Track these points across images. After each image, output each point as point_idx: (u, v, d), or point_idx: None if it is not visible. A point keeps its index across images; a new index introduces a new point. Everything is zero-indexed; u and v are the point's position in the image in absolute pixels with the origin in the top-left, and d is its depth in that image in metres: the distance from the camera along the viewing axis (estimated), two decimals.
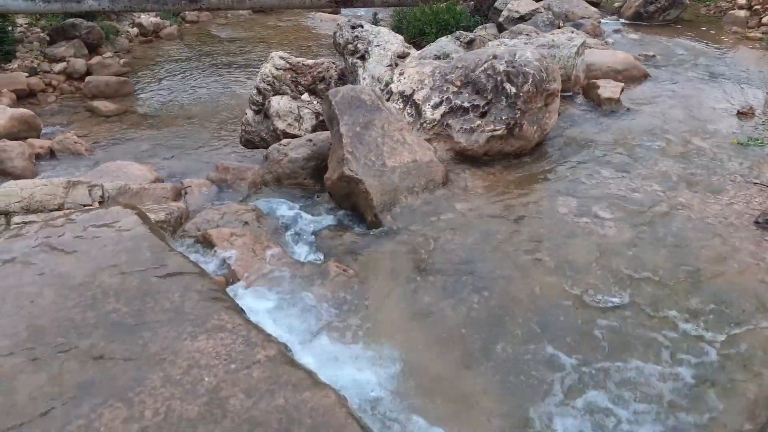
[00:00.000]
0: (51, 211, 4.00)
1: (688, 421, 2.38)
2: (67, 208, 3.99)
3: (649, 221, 3.67)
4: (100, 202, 4.24)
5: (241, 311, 2.50)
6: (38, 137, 6.82)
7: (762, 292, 3.07)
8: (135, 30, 11.47)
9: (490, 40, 6.21)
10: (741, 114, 5.50)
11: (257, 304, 2.81)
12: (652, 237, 3.51)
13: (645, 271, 3.20)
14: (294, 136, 4.92)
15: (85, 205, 4.07)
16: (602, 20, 8.75)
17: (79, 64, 9.11)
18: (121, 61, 9.83)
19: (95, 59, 9.42)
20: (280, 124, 5.43)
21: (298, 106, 5.49)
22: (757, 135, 5.03)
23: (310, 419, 2.00)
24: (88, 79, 8.60)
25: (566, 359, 2.65)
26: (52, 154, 6.48)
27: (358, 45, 5.56)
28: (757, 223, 3.67)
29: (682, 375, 2.58)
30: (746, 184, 4.19)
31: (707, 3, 9.88)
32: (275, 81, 5.74)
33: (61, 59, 9.17)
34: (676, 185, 4.13)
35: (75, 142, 6.68)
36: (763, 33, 8.17)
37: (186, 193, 4.82)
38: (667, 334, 2.79)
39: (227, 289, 2.83)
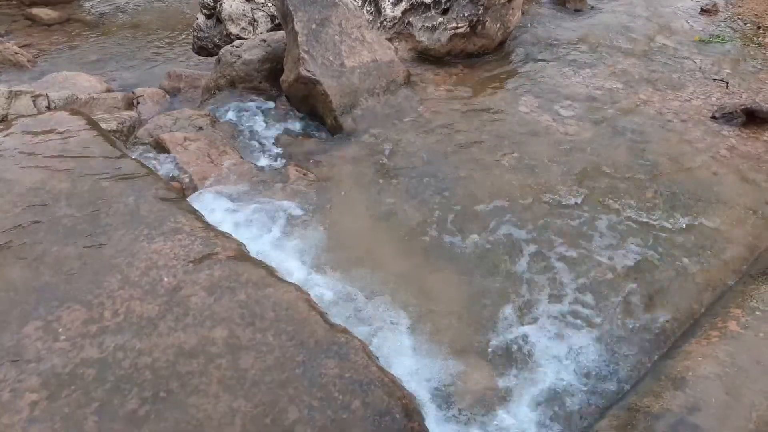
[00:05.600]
0: None
1: (638, 301, 2.49)
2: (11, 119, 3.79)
3: (609, 118, 3.68)
4: None
5: (198, 214, 2.45)
6: None
7: (715, 183, 3.15)
8: None
9: None
10: (704, 12, 5.44)
11: (215, 207, 2.76)
12: (612, 133, 3.53)
13: (604, 166, 3.24)
14: None
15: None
16: None
17: None
18: None
19: None
20: (234, 29, 5.16)
21: (252, 9, 5.21)
22: (718, 32, 5.01)
23: (273, 312, 2.01)
24: None
25: (525, 251, 2.71)
26: None
27: None
28: (713, 117, 3.72)
29: (636, 262, 2.67)
30: (705, 80, 4.21)
31: None
32: None
33: None
34: (637, 83, 4.12)
35: (16, 53, 6.25)
36: None
37: (138, 103, 4.61)
38: (624, 225, 2.86)
39: (183, 193, 2.77)
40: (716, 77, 4.23)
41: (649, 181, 3.14)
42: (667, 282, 2.58)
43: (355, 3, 4.29)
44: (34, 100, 4.05)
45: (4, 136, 2.73)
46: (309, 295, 2.17)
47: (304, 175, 3.15)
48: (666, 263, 2.66)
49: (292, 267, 2.57)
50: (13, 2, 7.85)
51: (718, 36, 4.91)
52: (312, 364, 1.88)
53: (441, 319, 2.42)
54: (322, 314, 2.07)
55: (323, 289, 2.50)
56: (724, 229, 2.85)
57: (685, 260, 2.68)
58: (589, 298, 2.49)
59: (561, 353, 2.29)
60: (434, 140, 3.46)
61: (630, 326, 2.39)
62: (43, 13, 7.40)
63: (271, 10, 5.17)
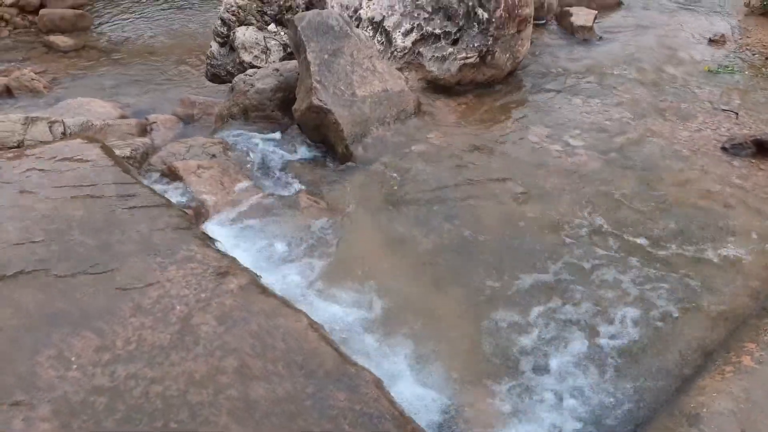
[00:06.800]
0: (10, 148, 3.86)
1: (651, 335, 2.47)
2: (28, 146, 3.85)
3: (619, 148, 3.69)
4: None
5: (210, 242, 2.47)
6: None
7: (726, 214, 3.14)
8: None
9: None
10: (712, 42, 5.48)
11: (227, 235, 2.78)
12: (622, 164, 3.54)
13: (613, 197, 3.24)
14: None
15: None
16: None
17: None
18: None
19: None
20: (247, 57, 5.24)
21: (265, 37, 5.29)
22: (727, 62, 5.04)
23: (284, 343, 2.01)
24: (42, 12, 8.13)
25: (534, 281, 2.71)
26: (8, 92, 6.18)
27: None
28: (723, 148, 3.72)
29: (647, 294, 2.65)
30: (715, 110, 4.23)
31: None
32: (240, 11, 5.49)
33: None
34: (646, 113, 4.15)
35: (32, 79, 6.37)
36: None
37: (151, 129, 4.67)
38: (633, 258, 2.85)
39: (196, 221, 2.79)
40: (726, 108, 4.25)
41: (659, 213, 3.13)
42: (680, 313, 2.55)
43: (367, 34, 4.36)
44: (50, 126, 4.12)
45: (20, 163, 2.77)
46: (319, 324, 2.18)
47: (316, 202, 3.17)
48: (679, 295, 2.64)
49: (302, 294, 2.58)
50: (32, 30, 8.04)
51: (727, 66, 4.94)
52: (322, 395, 1.87)
53: (449, 348, 2.41)
54: (332, 344, 2.07)
55: (333, 316, 2.49)
56: (736, 261, 2.84)
57: (697, 293, 2.66)
58: (600, 329, 2.48)
59: (572, 386, 2.27)
60: (444, 169, 3.48)
61: (642, 360, 2.37)
62: (60, 40, 7.57)
63: (284, 38, 5.25)
